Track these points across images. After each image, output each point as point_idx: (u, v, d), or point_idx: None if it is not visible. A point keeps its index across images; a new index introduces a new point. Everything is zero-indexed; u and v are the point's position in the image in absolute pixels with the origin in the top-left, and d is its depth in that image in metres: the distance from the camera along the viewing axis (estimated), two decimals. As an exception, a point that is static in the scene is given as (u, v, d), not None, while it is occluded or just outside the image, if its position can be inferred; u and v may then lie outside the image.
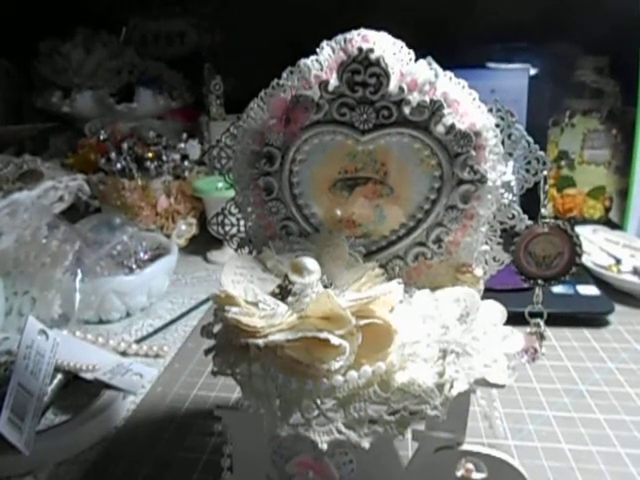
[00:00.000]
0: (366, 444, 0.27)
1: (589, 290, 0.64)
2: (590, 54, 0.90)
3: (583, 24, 0.83)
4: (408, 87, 0.32)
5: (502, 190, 0.36)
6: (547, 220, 0.38)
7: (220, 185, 0.82)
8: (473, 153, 0.33)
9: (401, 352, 0.29)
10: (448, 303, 0.33)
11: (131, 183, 0.86)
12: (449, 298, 0.33)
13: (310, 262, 0.31)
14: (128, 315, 0.67)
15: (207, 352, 0.31)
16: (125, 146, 0.91)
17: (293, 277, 0.31)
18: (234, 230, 0.40)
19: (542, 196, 0.38)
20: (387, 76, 0.31)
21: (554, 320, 0.51)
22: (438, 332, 0.30)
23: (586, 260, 0.70)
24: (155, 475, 0.41)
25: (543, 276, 0.39)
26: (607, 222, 0.88)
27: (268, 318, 0.28)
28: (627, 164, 0.84)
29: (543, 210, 0.38)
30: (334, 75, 0.32)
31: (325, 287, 0.31)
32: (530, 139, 0.36)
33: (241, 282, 0.32)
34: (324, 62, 0.33)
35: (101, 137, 0.96)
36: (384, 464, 0.31)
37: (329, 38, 0.34)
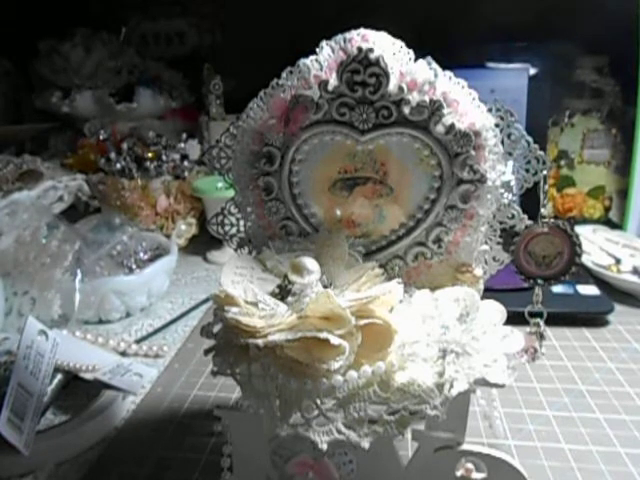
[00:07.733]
0: (366, 444, 0.27)
1: (589, 290, 0.64)
2: (590, 54, 0.90)
3: (582, 24, 0.83)
4: (408, 87, 0.32)
5: (502, 190, 0.36)
6: (547, 220, 0.38)
7: (220, 185, 0.82)
8: (473, 153, 0.33)
9: (401, 352, 0.29)
10: (448, 303, 0.33)
11: (131, 183, 0.86)
12: (449, 298, 0.33)
13: (310, 262, 0.31)
14: (128, 315, 0.67)
15: (207, 352, 0.31)
16: (125, 146, 0.91)
17: (293, 277, 0.31)
18: (234, 230, 0.40)
19: (542, 196, 0.38)
20: (387, 76, 0.31)
21: (554, 320, 0.51)
22: (438, 332, 0.30)
23: (586, 260, 0.70)
24: (155, 475, 0.41)
25: (543, 276, 0.39)
26: (607, 222, 0.87)
27: (268, 318, 0.28)
28: (627, 164, 0.84)
29: (543, 210, 0.38)
30: (334, 75, 0.32)
31: (325, 287, 0.31)
32: (530, 139, 0.36)
33: (241, 282, 0.32)
34: (324, 62, 0.33)
35: (101, 137, 0.96)
36: (384, 464, 0.31)
37: (329, 38, 0.34)
